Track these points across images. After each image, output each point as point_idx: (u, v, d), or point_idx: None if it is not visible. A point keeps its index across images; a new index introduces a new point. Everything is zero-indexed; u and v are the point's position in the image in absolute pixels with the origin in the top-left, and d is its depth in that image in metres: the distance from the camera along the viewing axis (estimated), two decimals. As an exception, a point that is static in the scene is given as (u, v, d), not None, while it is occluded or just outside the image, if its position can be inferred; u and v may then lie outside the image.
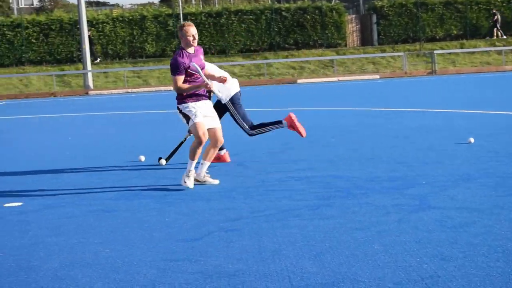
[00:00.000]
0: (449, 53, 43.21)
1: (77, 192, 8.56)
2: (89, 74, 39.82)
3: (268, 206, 7.18)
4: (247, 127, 9.87)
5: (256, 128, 9.84)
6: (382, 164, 9.53)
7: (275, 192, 7.93)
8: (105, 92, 38.65)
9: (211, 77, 8.83)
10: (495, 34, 45.91)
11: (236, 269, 5.06)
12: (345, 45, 47.04)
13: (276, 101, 25.03)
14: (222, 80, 8.71)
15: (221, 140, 8.68)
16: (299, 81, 39.17)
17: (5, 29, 44.91)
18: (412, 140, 11.79)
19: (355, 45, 48.09)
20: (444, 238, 5.63)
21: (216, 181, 8.71)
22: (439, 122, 14.41)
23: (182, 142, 10.62)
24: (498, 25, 45.95)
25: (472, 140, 11.00)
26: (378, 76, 40.14)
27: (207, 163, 8.67)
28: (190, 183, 8.36)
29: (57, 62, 44.81)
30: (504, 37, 45.78)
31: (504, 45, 43.71)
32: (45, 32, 45.14)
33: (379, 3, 46.58)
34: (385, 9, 46.32)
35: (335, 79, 39.00)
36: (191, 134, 10.29)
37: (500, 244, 5.37)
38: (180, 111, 8.59)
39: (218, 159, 10.23)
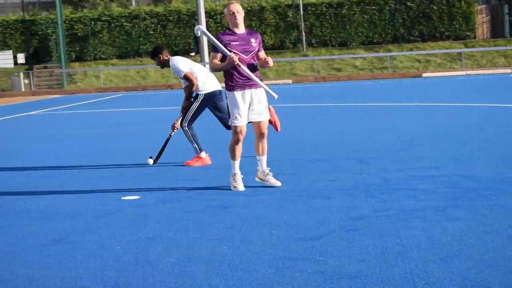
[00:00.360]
0: None
1: (194, 187, 8.70)
2: (206, 66, 40.43)
3: (391, 206, 7.10)
4: (185, 124, 10.52)
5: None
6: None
7: (398, 191, 7.84)
8: (222, 84, 39.14)
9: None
10: None
11: (357, 270, 5.04)
12: (474, 37, 45.96)
13: (400, 95, 24.76)
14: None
15: (265, 132, 8.40)
16: (424, 75, 38.61)
17: (123, 20, 46.14)
18: (547, 139, 11.44)
19: (485, 37, 46.92)
20: None
21: (278, 183, 8.41)
22: None
23: (168, 139, 10.79)
24: None
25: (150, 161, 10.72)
26: (510, 70, 39.09)
27: (263, 157, 8.47)
28: (239, 185, 8.30)
29: (174, 54, 45.51)
30: None
31: None
32: (163, 23, 46.12)
33: (512, -7, 45.40)
34: (518, -1, 45.07)
35: (463, 73, 38.23)
36: (175, 131, 10.48)
37: None
38: (226, 99, 8.43)
39: (202, 161, 10.52)
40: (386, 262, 5.21)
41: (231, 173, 8.41)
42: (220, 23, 45.46)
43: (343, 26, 45.34)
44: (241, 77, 8.21)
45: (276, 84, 37.89)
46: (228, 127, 10.25)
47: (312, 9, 45.47)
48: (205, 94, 10.53)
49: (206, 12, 42.36)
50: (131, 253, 5.78)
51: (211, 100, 10.61)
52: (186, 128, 10.53)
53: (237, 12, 8.10)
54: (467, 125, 13.98)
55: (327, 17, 45.47)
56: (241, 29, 8.26)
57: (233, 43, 8.12)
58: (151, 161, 10.68)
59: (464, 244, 5.59)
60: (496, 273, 4.84)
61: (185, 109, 10.60)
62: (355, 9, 45.19)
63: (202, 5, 40.03)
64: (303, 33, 44.79)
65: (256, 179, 8.62)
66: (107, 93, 38.39)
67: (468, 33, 45.52)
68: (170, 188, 8.72)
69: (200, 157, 10.51)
